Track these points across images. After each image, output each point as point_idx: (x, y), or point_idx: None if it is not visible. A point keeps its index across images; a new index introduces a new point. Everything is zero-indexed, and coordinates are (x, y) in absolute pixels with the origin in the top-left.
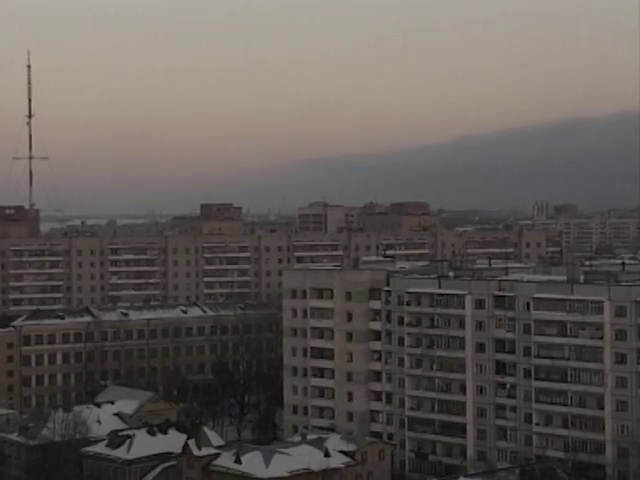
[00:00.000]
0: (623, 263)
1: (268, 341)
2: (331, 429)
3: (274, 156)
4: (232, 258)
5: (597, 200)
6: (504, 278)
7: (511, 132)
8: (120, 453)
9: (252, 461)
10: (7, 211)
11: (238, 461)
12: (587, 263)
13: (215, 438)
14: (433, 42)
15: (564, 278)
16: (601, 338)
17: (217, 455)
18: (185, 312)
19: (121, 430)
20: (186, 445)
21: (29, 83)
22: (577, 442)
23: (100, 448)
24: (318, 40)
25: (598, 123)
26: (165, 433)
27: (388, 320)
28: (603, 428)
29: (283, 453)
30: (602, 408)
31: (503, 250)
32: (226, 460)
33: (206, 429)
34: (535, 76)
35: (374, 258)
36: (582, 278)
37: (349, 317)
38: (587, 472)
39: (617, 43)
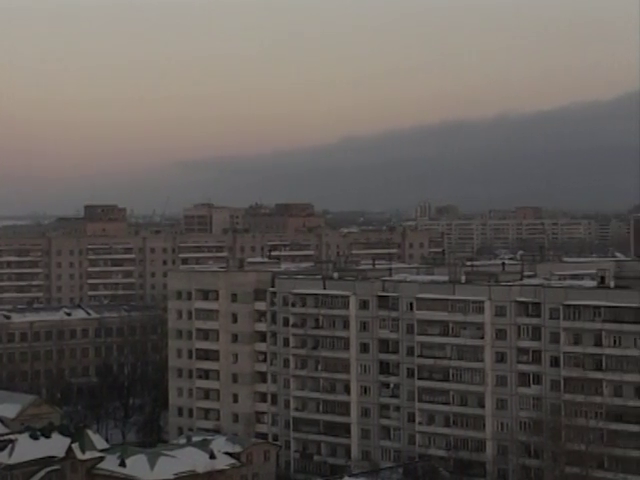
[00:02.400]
0: (503, 263)
1: (153, 343)
2: (216, 431)
3: (159, 157)
4: (116, 260)
5: (478, 201)
6: (387, 279)
7: (395, 134)
8: (1, 458)
9: (137, 464)
10: None
11: (123, 464)
12: (468, 263)
13: (99, 441)
14: (320, 45)
15: (446, 278)
16: (482, 337)
17: (101, 459)
18: (69, 314)
19: (2, 434)
20: (70, 449)
21: None
22: (459, 440)
23: None
24: (205, 42)
25: (478, 126)
26: (48, 437)
27: (273, 321)
28: (484, 426)
29: (168, 455)
30: (483, 406)
31: (387, 251)
32: (110, 463)
33: (90, 432)
34: (418, 80)
35: (259, 259)
36: (463, 278)
37: (234, 318)
38: (468, 469)
39: (490, 50)
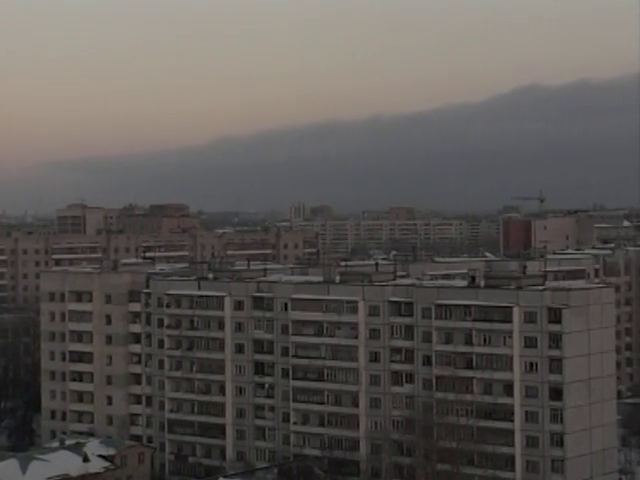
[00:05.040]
0: (376, 264)
1: (25, 345)
2: (90, 434)
3: (31, 157)
4: None
5: (352, 202)
6: (262, 279)
7: (269, 135)
8: None
9: (8, 468)
10: None
11: None
12: (342, 264)
13: None
14: (192, 47)
15: (320, 279)
16: (356, 337)
17: None
18: None
19: None
20: None
21: None
22: (333, 439)
23: None
24: (78, 42)
25: (352, 127)
26: None
27: (148, 322)
28: (358, 425)
29: (40, 459)
30: (357, 406)
31: (261, 251)
32: None
33: None
34: (293, 82)
35: (134, 260)
36: (337, 279)
37: (108, 320)
38: (342, 468)
39: (363, 51)
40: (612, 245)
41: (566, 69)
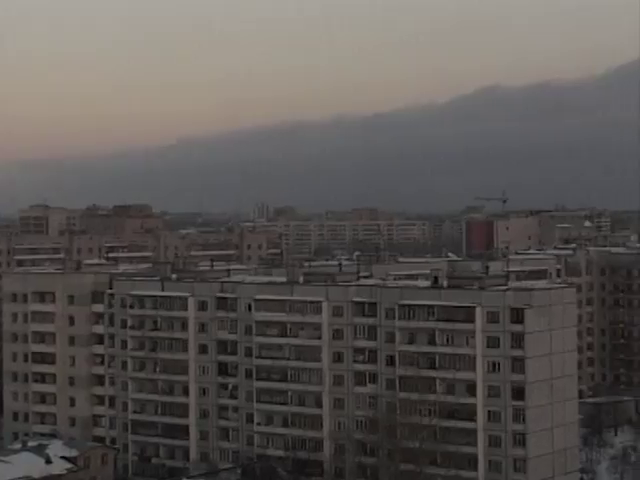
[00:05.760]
0: (340, 264)
1: None
2: (53, 435)
3: None
4: None
5: (315, 203)
6: (226, 280)
7: (233, 135)
8: None
9: None
10: None
11: None
12: (306, 264)
13: None
14: (157, 47)
15: (284, 279)
16: (319, 338)
17: None
18: None
19: None
20: None
21: None
22: (297, 440)
23: None
24: (44, 39)
25: (316, 127)
26: None
27: (111, 323)
28: (321, 426)
29: (2, 461)
30: (320, 406)
31: (225, 252)
32: None
33: None
34: (256, 83)
35: (97, 261)
36: (301, 279)
37: (71, 321)
38: (306, 469)
39: (326, 53)
40: (574, 245)
41: (528, 71)
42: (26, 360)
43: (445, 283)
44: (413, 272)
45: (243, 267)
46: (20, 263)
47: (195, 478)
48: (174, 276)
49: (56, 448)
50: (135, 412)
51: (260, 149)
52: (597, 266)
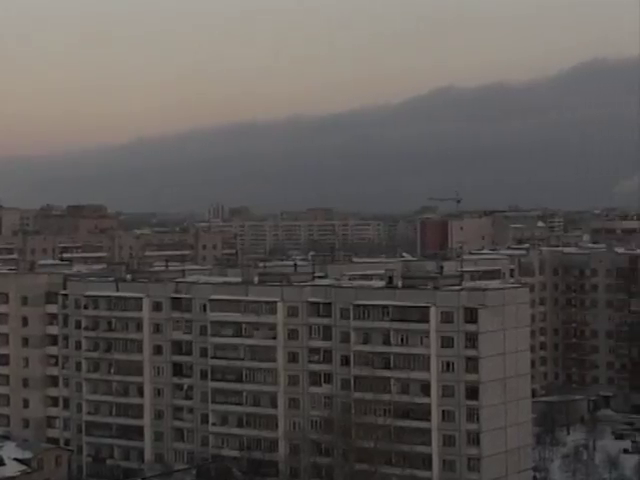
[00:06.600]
0: (295, 264)
1: None
2: (6, 437)
3: None
4: None
5: (270, 203)
6: (181, 280)
7: (188, 135)
8: None
9: None
10: None
11: None
12: (261, 265)
13: None
14: (114, 47)
15: (239, 280)
16: (274, 338)
17: None
18: None
19: None
20: None
21: None
22: (252, 440)
23: None
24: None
25: (271, 128)
26: None
27: (65, 324)
28: (276, 426)
29: None
30: (275, 406)
31: (180, 252)
32: None
33: None
34: (209, 82)
35: (51, 262)
36: (256, 279)
37: (25, 322)
38: (261, 469)
39: (281, 52)
40: (527, 245)
41: (482, 71)
42: None
43: (400, 283)
44: (368, 272)
45: (198, 267)
46: None
47: (150, 479)
48: (129, 277)
49: (9, 450)
50: (89, 413)
51: (214, 149)
52: (550, 266)
